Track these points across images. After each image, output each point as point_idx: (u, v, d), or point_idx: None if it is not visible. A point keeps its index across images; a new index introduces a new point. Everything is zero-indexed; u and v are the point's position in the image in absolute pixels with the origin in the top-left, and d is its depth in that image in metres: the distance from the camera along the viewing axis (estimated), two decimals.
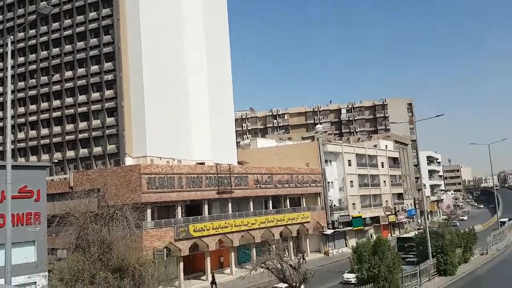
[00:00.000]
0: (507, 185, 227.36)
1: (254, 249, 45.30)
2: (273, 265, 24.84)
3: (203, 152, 50.68)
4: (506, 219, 68.19)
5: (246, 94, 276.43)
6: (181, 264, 38.50)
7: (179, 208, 39.75)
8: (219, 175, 42.95)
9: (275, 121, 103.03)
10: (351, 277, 34.51)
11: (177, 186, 38.83)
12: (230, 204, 44.72)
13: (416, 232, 49.98)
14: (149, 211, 37.08)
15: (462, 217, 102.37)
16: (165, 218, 38.40)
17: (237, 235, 43.94)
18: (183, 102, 51.20)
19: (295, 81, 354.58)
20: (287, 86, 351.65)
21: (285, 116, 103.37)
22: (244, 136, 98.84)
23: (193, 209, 41.93)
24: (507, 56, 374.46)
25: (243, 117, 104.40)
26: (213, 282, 38.01)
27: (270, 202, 50.50)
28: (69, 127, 50.67)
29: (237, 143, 70.62)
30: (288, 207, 52.59)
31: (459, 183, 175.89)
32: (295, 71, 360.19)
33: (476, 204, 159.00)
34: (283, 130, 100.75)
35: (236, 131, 70.15)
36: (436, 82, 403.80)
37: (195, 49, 53.92)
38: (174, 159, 46.97)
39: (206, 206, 42.19)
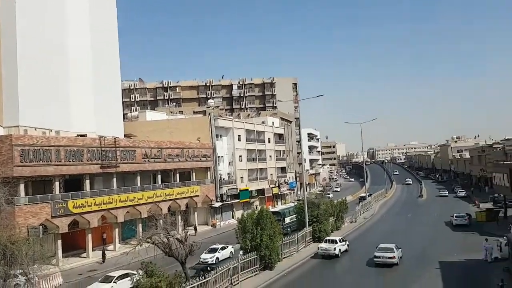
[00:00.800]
0: (374, 160, 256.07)
1: (140, 225, 44.55)
2: (160, 239, 24.77)
3: (85, 124, 47.23)
4: (368, 194, 76.57)
5: (135, 64, 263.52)
6: (59, 241, 36.33)
7: (57, 183, 37.16)
8: (103, 149, 40.87)
9: (166, 93, 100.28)
10: (208, 257, 33.96)
11: (54, 159, 36.01)
12: (115, 179, 43.04)
13: (296, 203, 54.04)
14: (22, 186, 33.98)
15: (336, 189, 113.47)
16: (41, 194, 35.57)
17: (122, 211, 42.71)
18: (62, 68, 46.72)
19: (189, 54, 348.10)
20: (180, 59, 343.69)
21: (177, 89, 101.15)
22: (132, 108, 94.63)
23: (73, 184, 39.43)
24: (385, 40, 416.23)
25: (131, 87, 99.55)
26: (103, 257, 37.56)
27: (159, 176, 49.83)
28: None
29: (124, 115, 67.44)
30: (178, 181, 52.52)
31: (334, 158, 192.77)
32: (189, 42, 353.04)
33: (348, 177, 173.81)
34: (174, 103, 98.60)
35: (123, 102, 66.82)
36: (320, 63, 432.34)
37: (78, 10, 49.31)
38: (51, 130, 43.14)
39: (87, 181, 40.01)
